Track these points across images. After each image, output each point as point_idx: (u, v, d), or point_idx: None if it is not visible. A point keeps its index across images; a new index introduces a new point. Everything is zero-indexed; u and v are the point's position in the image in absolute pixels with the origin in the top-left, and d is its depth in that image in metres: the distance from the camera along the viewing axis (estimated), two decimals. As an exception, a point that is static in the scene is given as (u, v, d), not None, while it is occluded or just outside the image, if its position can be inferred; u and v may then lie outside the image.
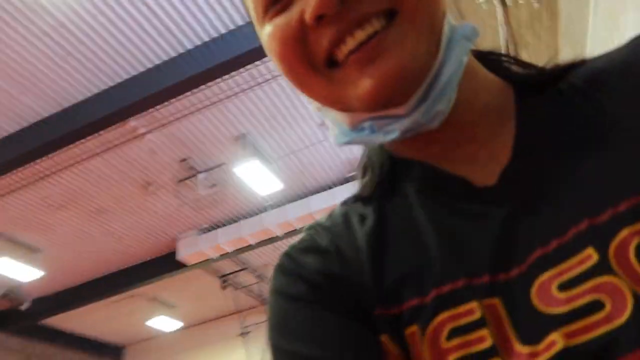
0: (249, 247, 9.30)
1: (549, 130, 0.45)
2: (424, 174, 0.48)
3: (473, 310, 0.38)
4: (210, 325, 13.57)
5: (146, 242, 9.42)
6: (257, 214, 9.00)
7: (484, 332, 0.38)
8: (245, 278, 11.39)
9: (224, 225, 9.21)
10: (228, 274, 11.10)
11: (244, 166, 7.34)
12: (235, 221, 9.15)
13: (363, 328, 0.41)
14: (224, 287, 11.28)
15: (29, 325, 11.17)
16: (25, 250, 8.90)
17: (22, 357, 11.46)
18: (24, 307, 10.34)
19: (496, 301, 0.38)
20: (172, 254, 9.53)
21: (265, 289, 11.89)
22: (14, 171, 6.79)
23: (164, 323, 12.67)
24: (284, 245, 10.21)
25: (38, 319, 11.06)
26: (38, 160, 6.70)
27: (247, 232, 8.91)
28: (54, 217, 8.29)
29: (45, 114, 6.29)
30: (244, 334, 12.78)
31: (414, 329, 0.39)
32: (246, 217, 9.07)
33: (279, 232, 8.84)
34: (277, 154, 7.74)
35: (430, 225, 0.45)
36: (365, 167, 0.55)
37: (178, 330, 13.34)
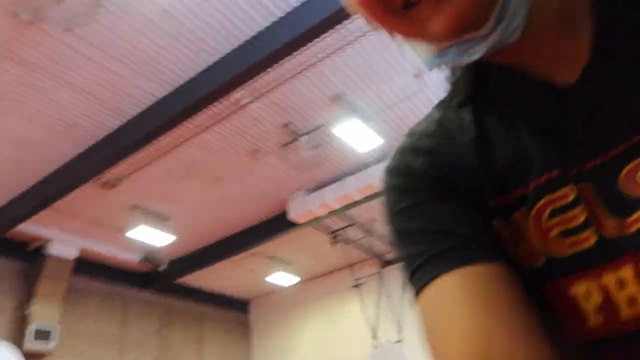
0: (355, 203, 9.54)
1: (627, 29, 0.45)
2: (508, 78, 0.50)
3: (568, 194, 0.45)
4: (325, 278, 14.24)
5: (260, 205, 10.06)
6: (360, 170, 9.18)
7: (578, 210, 0.44)
8: (354, 233, 11.73)
9: (330, 183, 9.52)
10: (337, 230, 11.52)
11: (343, 125, 7.48)
12: (340, 179, 9.40)
13: (474, 211, 0.48)
14: (334, 243, 11.74)
15: (167, 284, 12.59)
16: (157, 218, 9.97)
17: (164, 311, 12.99)
18: (161, 268, 11.65)
19: (587, 185, 0.44)
20: (284, 214, 10.10)
21: (374, 243, 12.17)
22: (141, 149, 7.58)
23: (283, 278, 13.51)
24: (389, 199, 10.35)
25: (174, 278, 12.41)
26: (159, 138, 7.39)
27: (352, 188, 9.14)
28: (179, 187, 9.15)
29: (160, 95, 6.89)
30: (357, 286, 13.28)
31: (519, 214, 0.47)
32: (350, 175, 9.29)
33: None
34: (374, 110, 7.78)
35: (523, 125, 0.49)
36: (449, 74, 0.59)
37: (296, 284, 14.15)
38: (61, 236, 10.16)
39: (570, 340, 0.44)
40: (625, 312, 0.42)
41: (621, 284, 0.41)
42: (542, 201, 0.46)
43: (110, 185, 8.75)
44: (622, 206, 0.42)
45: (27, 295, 10.03)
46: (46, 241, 10.06)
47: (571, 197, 0.44)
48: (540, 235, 0.46)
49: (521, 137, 0.48)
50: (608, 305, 0.42)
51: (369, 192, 9.19)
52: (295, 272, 13.57)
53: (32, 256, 10.27)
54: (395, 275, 12.86)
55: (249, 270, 13.08)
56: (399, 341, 11.86)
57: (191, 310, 13.67)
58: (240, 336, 14.94)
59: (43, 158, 7.89)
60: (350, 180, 9.21)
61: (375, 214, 10.96)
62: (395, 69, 7.03)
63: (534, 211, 0.46)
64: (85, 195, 8.93)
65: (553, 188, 0.45)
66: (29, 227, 9.63)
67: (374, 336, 12.33)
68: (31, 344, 9.48)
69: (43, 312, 9.85)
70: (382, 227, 11.58)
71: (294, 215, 9.75)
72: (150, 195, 9.28)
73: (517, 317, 0.40)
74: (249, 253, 11.80)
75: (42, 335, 9.68)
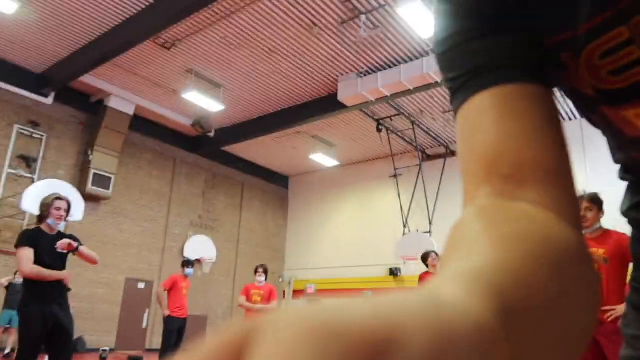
0: (407, 92, 9.44)
1: None
2: None
3: (622, 32, 0.43)
4: (365, 165, 14.56)
5: (310, 82, 10.07)
6: (417, 58, 8.95)
7: (632, 48, 0.43)
8: (399, 123, 11.75)
9: (384, 69, 9.37)
10: (384, 118, 11.54)
11: (407, 7, 7.19)
12: (395, 65, 9.23)
13: (518, 39, 0.46)
14: (379, 130, 11.83)
15: (214, 150, 13.19)
16: (209, 85, 10.19)
17: (209, 175, 13.76)
18: (210, 134, 12.14)
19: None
20: (333, 95, 10.13)
21: (418, 135, 12.20)
22: (199, 12, 7.56)
23: (324, 159, 13.88)
24: (440, 93, 10.14)
25: (220, 146, 12.96)
26: (218, 0, 7.31)
27: (405, 77, 8.99)
28: (232, 56, 9.21)
29: (224, -45, 6.71)
30: (395, 176, 13.58)
31: (568, 55, 0.46)
32: (406, 62, 9.08)
33: (437, 79, 8.78)
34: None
35: None
36: None
37: (336, 167, 14.56)
38: (120, 91, 10.59)
39: (626, 137, 0.49)
40: None
41: None
42: (594, 44, 0.44)
43: (167, 45, 8.88)
44: None
45: (88, 143, 10.77)
46: (107, 95, 10.54)
47: (625, 36, 0.42)
48: (590, 74, 0.46)
49: None
50: None
51: (422, 83, 9.04)
52: (337, 156, 13.87)
53: (94, 108, 10.84)
54: (434, 170, 13.03)
55: (291, 148, 13.47)
56: (428, 232, 12.37)
57: (234, 178, 14.42)
58: (277, 208, 15.81)
59: (105, 13, 8.00)
60: (406, 68, 9.02)
61: (424, 106, 10.85)
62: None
63: (584, 53, 0.45)
64: (144, 54, 9.13)
65: (606, 30, 0.43)
66: (91, 80, 10.06)
67: (405, 225, 12.87)
68: (92, 188, 10.38)
69: (103, 160, 10.63)
70: (428, 120, 11.51)
71: (343, 97, 9.76)
72: (204, 60, 9.40)
73: (537, 128, 0.41)
74: (293, 130, 12.07)
75: (102, 181, 10.55)
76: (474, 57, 0.46)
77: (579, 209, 0.41)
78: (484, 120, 0.42)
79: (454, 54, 0.47)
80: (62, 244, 3.79)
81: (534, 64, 0.45)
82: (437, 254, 5.84)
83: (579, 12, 0.43)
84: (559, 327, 0.29)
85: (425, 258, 5.87)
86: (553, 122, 0.42)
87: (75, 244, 3.85)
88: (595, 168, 9.70)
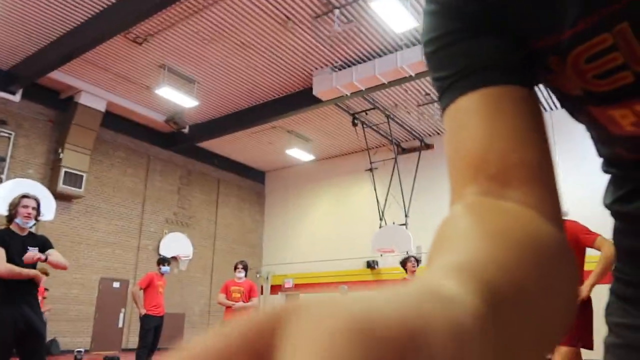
0: (381, 86, 9.49)
1: None
2: None
3: (606, 39, 0.44)
4: (340, 159, 14.59)
5: (285, 77, 10.03)
6: (391, 52, 9.00)
7: (616, 54, 0.44)
8: (375, 117, 11.80)
9: (358, 63, 9.40)
10: (359, 112, 11.58)
11: (381, 1, 7.20)
12: (369, 59, 9.26)
13: (503, 40, 0.48)
14: (354, 124, 11.87)
15: (188, 146, 13.02)
16: (183, 80, 10.05)
17: (184, 171, 13.61)
18: (184, 130, 12.00)
19: (625, 25, 0.43)
20: (308, 90, 10.11)
21: (393, 129, 12.29)
22: (171, 6, 7.44)
23: (300, 154, 13.85)
24: (415, 87, 10.22)
25: (195, 142, 12.81)
26: (191, -5, 7.22)
27: (380, 70, 9.03)
28: (206, 51, 9.10)
29: (196, -52, 6.61)
30: (370, 169, 13.65)
31: (555, 58, 0.48)
32: (380, 56, 9.13)
33: (411, 72, 8.85)
34: (415, -12, 7.43)
35: None
36: None
37: (312, 161, 14.55)
38: (91, 87, 10.37)
39: (611, 135, 0.50)
40: None
41: None
42: (578, 49, 0.45)
43: (139, 40, 8.73)
44: None
45: (58, 141, 10.52)
46: (77, 91, 10.30)
47: (609, 42, 0.44)
48: (577, 77, 0.47)
49: None
50: None
51: (397, 76, 9.09)
52: (313, 150, 13.86)
53: (63, 104, 10.58)
54: (409, 163, 13.15)
55: (267, 143, 13.41)
56: (404, 224, 12.49)
57: (209, 174, 14.28)
58: (254, 203, 15.74)
59: (74, 7, 7.80)
60: (380, 62, 9.06)
61: (398, 100, 10.93)
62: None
63: (569, 58, 0.46)
64: (115, 50, 8.95)
65: (591, 36, 0.44)
66: (60, 76, 9.81)
67: (382, 218, 12.97)
68: (63, 186, 10.15)
69: (74, 158, 10.40)
70: (402, 113, 11.60)
71: (318, 91, 9.74)
72: (177, 55, 9.27)
73: (522, 130, 0.43)
74: (269, 126, 12.02)
75: (73, 179, 10.33)
76: (459, 58, 0.47)
77: (560, 207, 0.42)
78: (470, 120, 0.44)
79: (440, 54, 0.49)
80: (28, 258, 3.69)
81: (518, 65, 0.47)
82: (416, 259, 5.91)
83: (563, 17, 0.45)
84: (539, 321, 0.30)
85: (404, 263, 5.92)
86: (536, 122, 0.44)
87: (43, 257, 3.76)
88: (564, 160, 9.93)
